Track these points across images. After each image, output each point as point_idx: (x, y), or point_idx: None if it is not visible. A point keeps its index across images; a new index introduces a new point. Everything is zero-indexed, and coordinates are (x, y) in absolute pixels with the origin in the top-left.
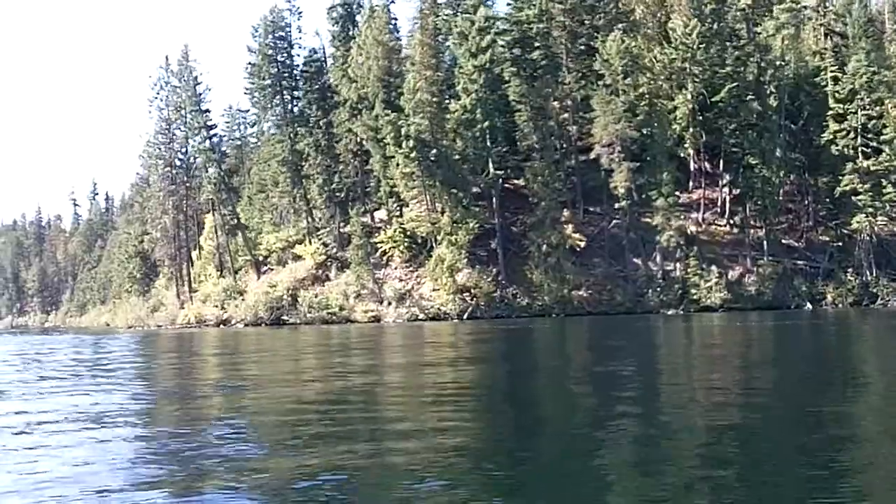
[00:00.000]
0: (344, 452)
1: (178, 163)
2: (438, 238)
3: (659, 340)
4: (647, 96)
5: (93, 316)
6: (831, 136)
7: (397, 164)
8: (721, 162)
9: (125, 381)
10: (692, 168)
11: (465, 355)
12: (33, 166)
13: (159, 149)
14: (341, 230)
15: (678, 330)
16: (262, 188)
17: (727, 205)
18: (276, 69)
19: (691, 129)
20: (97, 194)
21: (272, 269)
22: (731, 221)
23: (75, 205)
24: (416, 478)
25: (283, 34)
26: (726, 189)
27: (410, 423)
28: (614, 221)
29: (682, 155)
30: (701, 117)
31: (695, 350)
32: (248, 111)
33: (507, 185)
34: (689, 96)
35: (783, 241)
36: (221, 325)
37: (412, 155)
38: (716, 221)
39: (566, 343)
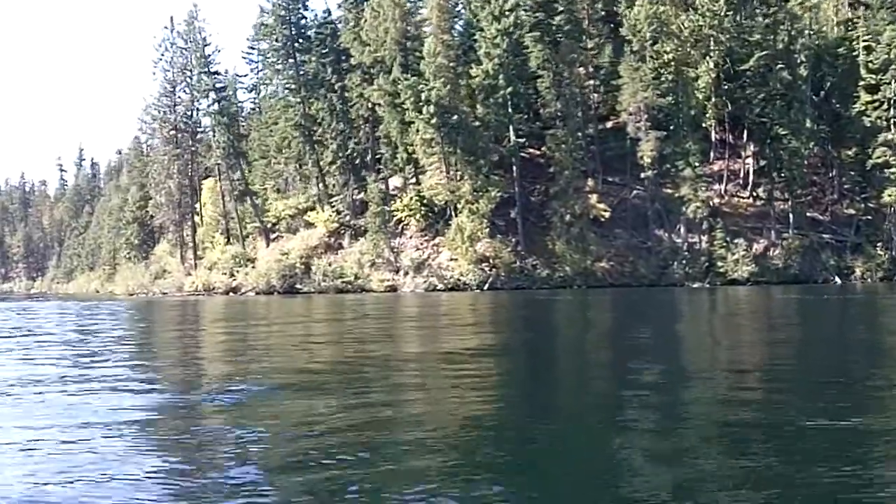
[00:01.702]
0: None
1: (182, 126)
2: (459, 207)
3: (697, 313)
4: (673, 63)
5: (81, 282)
6: (862, 108)
7: (417, 130)
8: (745, 133)
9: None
10: (713, 139)
11: (492, 326)
12: (15, 131)
13: (163, 111)
14: (354, 197)
15: (713, 302)
16: (265, 154)
17: (750, 176)
18: (288, 30)
19: (713, 99)
20: (84, 160)
21: (281, 237)
22: (755, 193)
23: (61, 170)
24: (424, 454)
25: None
26: (750, 160)
27: (425, 396)
28: (635, 191)
29: (703, 125)
30: (727, 86)
31: (738, 324)
32: (245, 76)
33: (523, 154)
34: (711, 65)
35: (807, 214)
36: (230, 293)
37: (433, 121)
38: (738, 193)
39: (599, 314)
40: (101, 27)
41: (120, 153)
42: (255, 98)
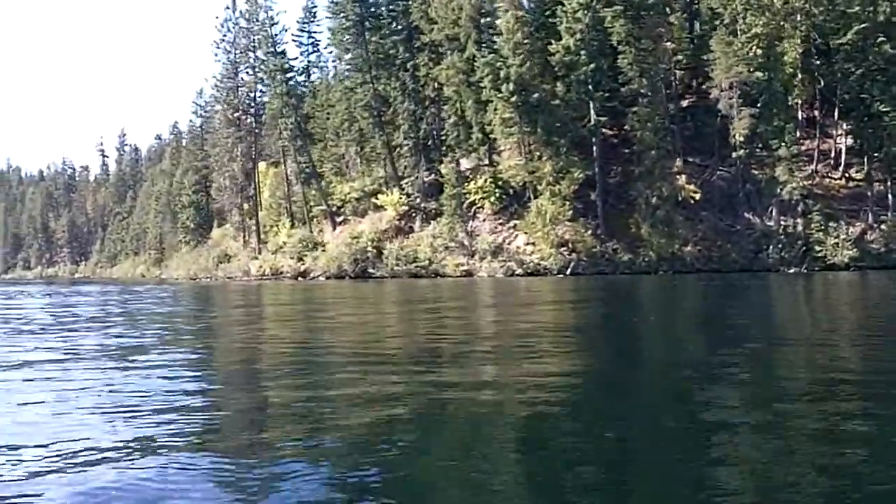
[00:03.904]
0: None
1: (245, 107)
2: (539, 188)
3: (832, 301)
4: (766, 37)
5: (126, 267)
6: None
7: (495, 109)
8: (835, 111)
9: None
10: (800, 117)
11: (599, 318)
12: (56, 117)
13: (226, 93)
14: (425, 179)
15: (828, 289)
16: (322, 137)
17: (842, 156)
18: (359, 8)
19: (800, 76)
20: (127, 145)
21: (348, 221)
22: (847, 174)
23: (103, 155)
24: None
25: None
26: (842, 139)
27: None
28: (718, 172)
29: (790, 103)
30: (818, 62)
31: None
32: (294, 59)
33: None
34: (798, 40)
35: None
36: (299, 278)
37: (512, 99)
38: (829, 174)
39: (711, 303)
40: (136, 13)
41: (160, 138)
42: (305, 81)
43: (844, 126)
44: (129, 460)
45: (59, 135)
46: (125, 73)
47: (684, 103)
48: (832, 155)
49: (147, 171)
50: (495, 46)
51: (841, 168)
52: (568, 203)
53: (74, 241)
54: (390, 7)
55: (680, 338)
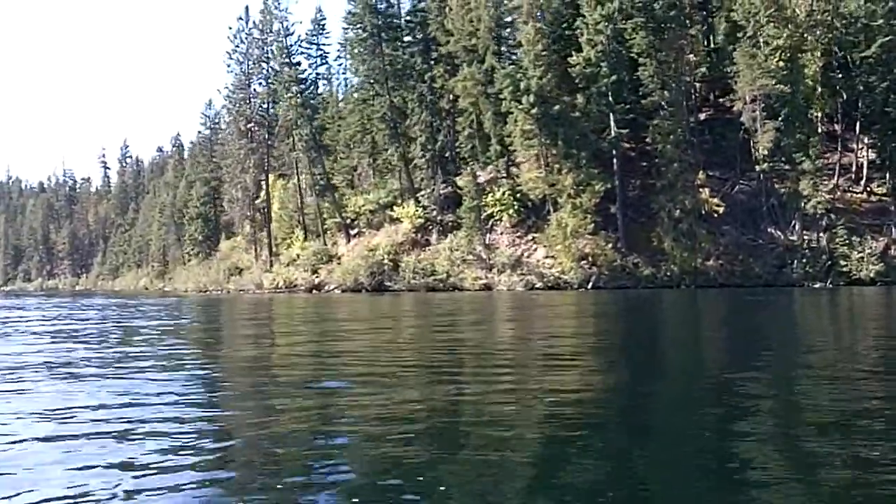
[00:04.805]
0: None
1: (258, 119)
2: (560, 201)
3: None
4: (788, 50)
5: (129, 279)
6: None
7: (515, 121)
8: (856, 125)
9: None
10: (819, 130)
11: (634, 337)
12: (56, 129)
13: (238, 104)
14: (441, 192)
15: (865, 305)
16: (332, 149)
17: (864, 170)
18: (377, 19)
19: (819, 89)
20: (129, 156)
21: (361, 233)
22: (868, 188)
23: (105, 167)
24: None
25: None
26: (863, 153)
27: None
28: (738, 185)
29: (809, 117)
30: (841, 75)
31: None
32: (304, 70)
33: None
34: (819, 53)
35: None
36: (314, 291)
37: (532, 111)
38: (850, 189)
39: (749, 319)
40: (133, 27)
41: (161, 150)
42: (312, 93)
43: (866, 140)
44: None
45: (59, 147)
46: (125, 86)
47: (702, 116)
48: (853, 169)
49: (149, 183)
50: (514, 58)
51: (863, 182)
52: (589, 216)
53: (75, 253)
54: (408, 18)
55: (715, 356)
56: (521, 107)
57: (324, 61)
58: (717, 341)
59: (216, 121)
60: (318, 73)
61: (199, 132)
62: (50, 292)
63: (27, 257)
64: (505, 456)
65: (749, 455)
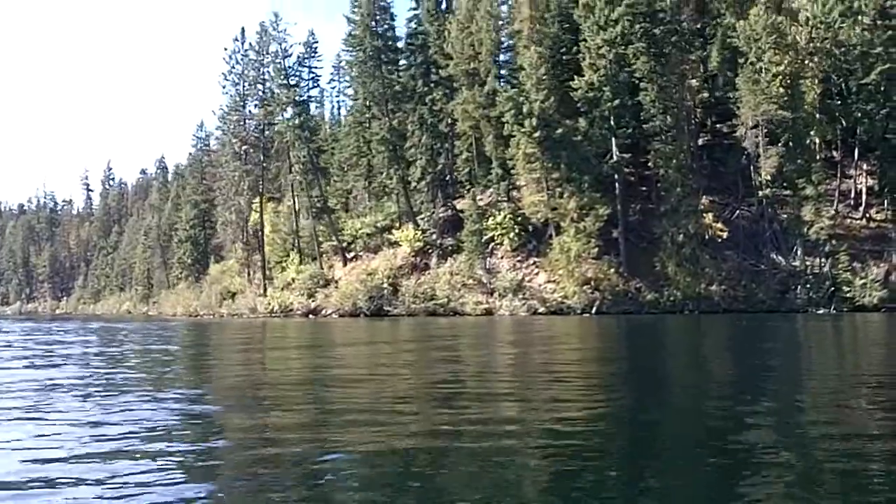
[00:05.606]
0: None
1: (253, 140)
2: (563, 225)
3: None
4: (789, 76)
5: (111, 303)
6: None
7: (518, 144)
8: (855, 151)
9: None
10: (817, 157)
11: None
12: (37, 151)
13: (233, 126)
14: (440, 215)
15: (870, 332)
16: (326, 172)
17: (863, 197)
18: (377, 41)
19: (817, 116)
20: (113, 178)
21: (358, 256)
22: (867, 215)
23: (88, 189)
24: None
25: (384, 3)
26: (862, 180)
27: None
28: (739, 210)
29: (807, 143)
30: (840, 102)
31: None
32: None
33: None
34: (818, 80)
35: None
36: (310, 315)
37: (535, 134)
38: (850, 215)
39: (759, 346)
40: (120, 47)
41: (145, 173)
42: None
43: (864, 167)
44: None
45: (40, 168)
46: (108, 107)
47: (700, 141)
48: (852, 195)
49: (133, 206)
50: (515, 81)
51: (862, 208)
52: (592, 240)
53: (56, 276)
54: (409, 41)
55: (720, 385)
56: (523, 130)
57: (316, 84)
58: (723, 368)
59: (206, 142)
60: (310, 96)
61: (190, 154)
62: (29, 316)
63: (6, 280)
64: (505, 491)
65: (750, 487)
